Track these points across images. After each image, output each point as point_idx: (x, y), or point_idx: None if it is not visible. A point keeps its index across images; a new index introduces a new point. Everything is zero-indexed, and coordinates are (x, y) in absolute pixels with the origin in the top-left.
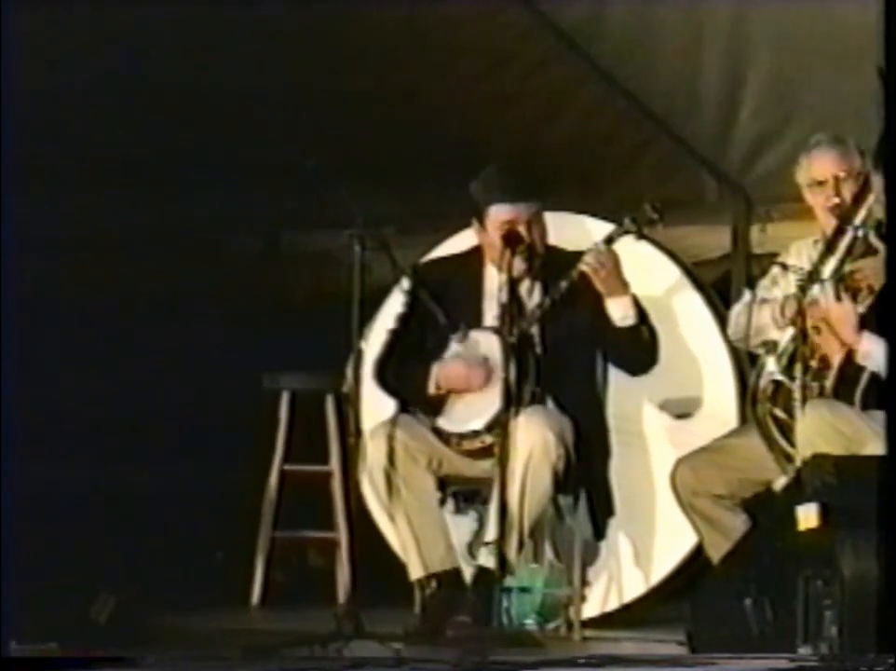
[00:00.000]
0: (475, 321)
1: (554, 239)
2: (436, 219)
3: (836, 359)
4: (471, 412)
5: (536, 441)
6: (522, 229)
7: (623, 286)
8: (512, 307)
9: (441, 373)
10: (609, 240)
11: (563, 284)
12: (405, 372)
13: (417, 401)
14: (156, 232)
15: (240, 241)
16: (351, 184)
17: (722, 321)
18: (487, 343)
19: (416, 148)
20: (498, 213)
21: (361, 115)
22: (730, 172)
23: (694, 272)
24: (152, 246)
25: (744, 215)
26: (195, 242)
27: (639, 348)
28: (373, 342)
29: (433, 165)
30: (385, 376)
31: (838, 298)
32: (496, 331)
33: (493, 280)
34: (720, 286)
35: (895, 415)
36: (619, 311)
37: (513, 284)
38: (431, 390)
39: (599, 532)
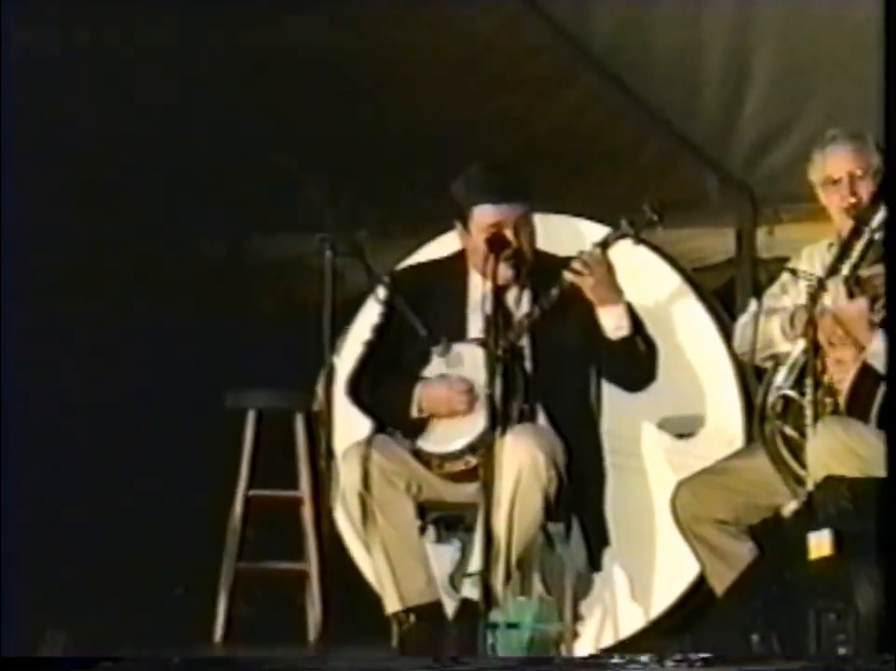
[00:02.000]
0: (458, 332)
1: (544, 243)
2: (415, 221)
3: (851, 372)
4: (454, 431)
5: (524, 462)
6: (508, 233)
7: (616, 294)
8: (499, 317)
9: (424, 395)
10: (604, 244)
11: (554, 292)
12: (381, 388)
13: (394, 420)
14: (108, 237)
15: (200, 246)
16: (322, 182)
17: (726, 332)
18: (471, 357)
19: (393, 143)
20: (483, 215)
21: (332, 107)
22: (734, 170)
23: (695, 279)
24: (105, 252)
25: (750, 217)
26: (150, 247)
27: (634, 362)
28: (347, 356)
29: (412, 162)
30: (359, 393)
31: (850, 295)
32: (482, 343)
33: (477, 288)
34: (724, 294)
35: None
36: (612, 322)
37: (500, 292)
38: (413, 412)
39: (593, 562)
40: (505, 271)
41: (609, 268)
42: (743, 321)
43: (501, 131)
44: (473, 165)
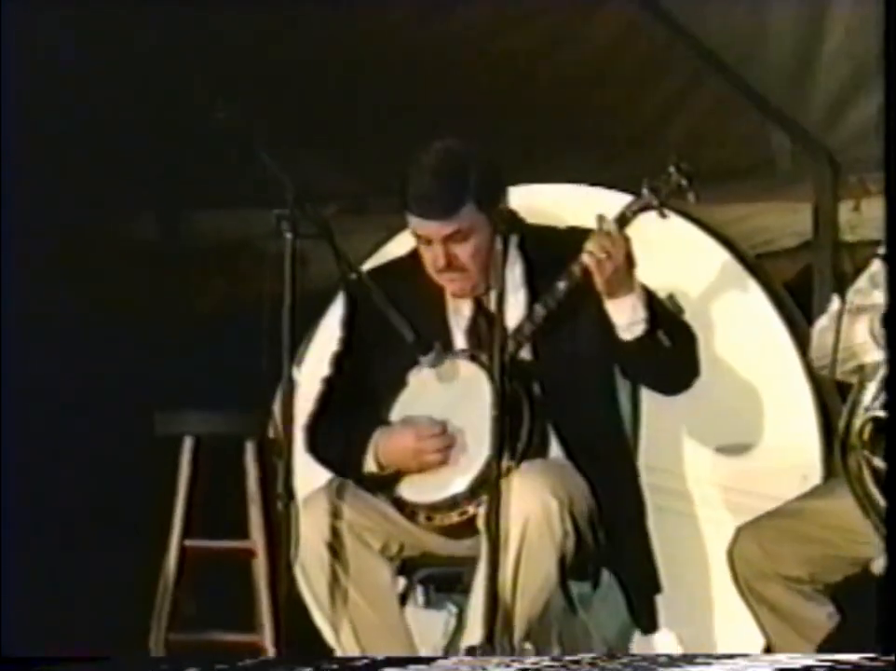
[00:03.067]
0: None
1: (551, 219)
2: (397, 194)
3: None
4: (444, 474)
5: (531, 512)
6: (437, 248)
7: (630, 281)
8: (496, 321)
9: (383, 446)
10: (621, 220)
11: (562, 285)
12: (343, 430)
13: (359, 474)
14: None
15: (125, 225)
16: (280, 144)
17: (799, 337)
18: (468, 373)
19: (370, 95)
20: (411, 222)
21: (290, 47)
22: (810, 127)
23: (760, 268)
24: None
25: (830, 188)
26: (62, 227)
27: (660, 364)
28: (309, 369)
29: (393, 118)
30: (317, 444)
31: None
32: (472, 357)
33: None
34: (797, 288)
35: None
36: (625, 317)
37: (479, 297)
38: (370, 467)
39: (624, 631)
40: (459, 285)
41: (628, 252)
42: (822, 323)
43: (508, 76)
44: (431, 147)
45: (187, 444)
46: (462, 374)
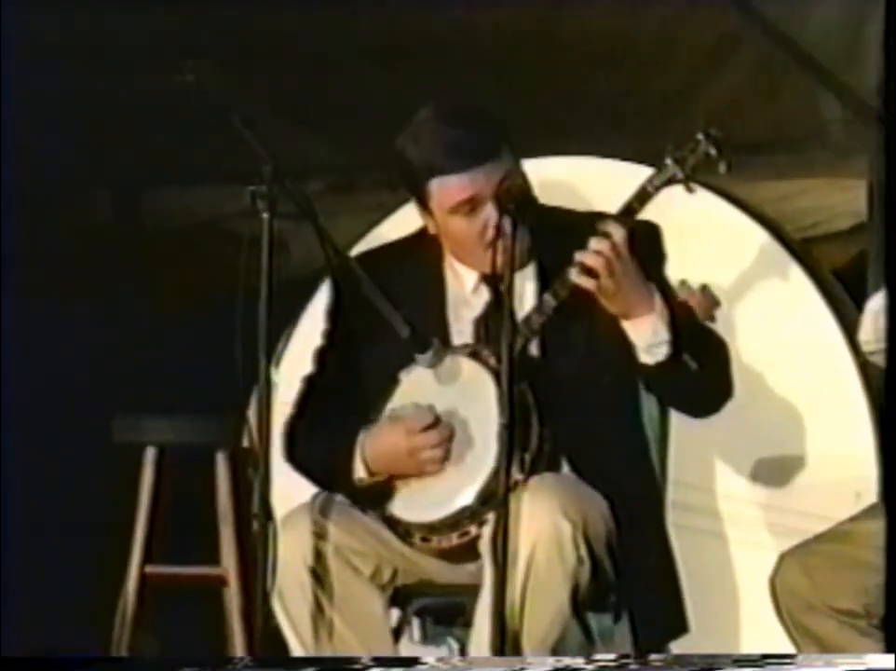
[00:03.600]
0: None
1: (563, 198)
2: (392, 168)
3: None
4: (441, 490)
5: (541, 532)
6: (490, 209)
7: (647, 295)
8: (505, 315)
9: (371, 449)
10: (643, 196)
11: (573, 273)
12: (326, 437)
13: (345, 485)
14: None
15: (79, 205)
16: (258, 111)
17: (851, 333)
18: (469, 372)
19: (363, 53)
20: (447, 191)
21: (274, 6)
22: (866, 93)
23: (806, 253)
24: None
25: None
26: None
27: (686, 387)
28: (289, 369)
29: (390, 80)
30: (296, 449)
31: None
32: (474, 354)
33: (458, 277)
34: (849, 276)
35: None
36: (644, 339)
37: (495, 282)
38: (359, 474)
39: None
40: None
41: (633, 260)
42: (873, 306)
43: (523, 32)
44: (425, 109)
45: (149, 454)
46: (463, 373)
